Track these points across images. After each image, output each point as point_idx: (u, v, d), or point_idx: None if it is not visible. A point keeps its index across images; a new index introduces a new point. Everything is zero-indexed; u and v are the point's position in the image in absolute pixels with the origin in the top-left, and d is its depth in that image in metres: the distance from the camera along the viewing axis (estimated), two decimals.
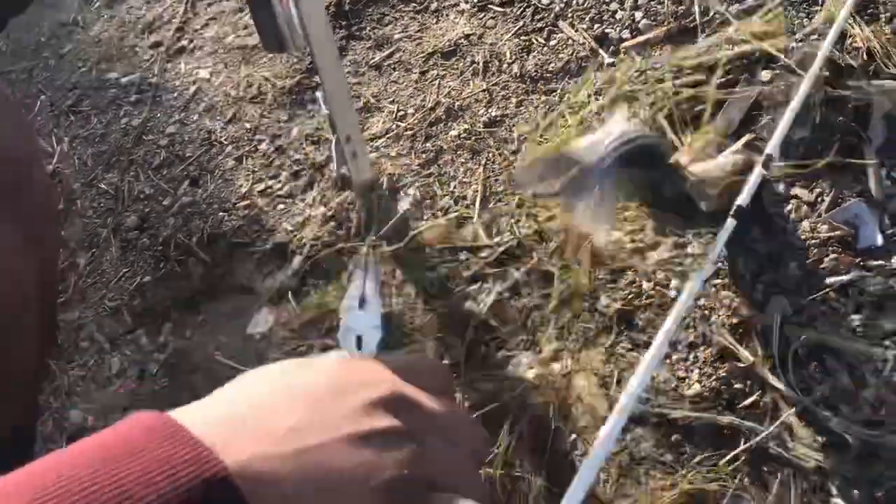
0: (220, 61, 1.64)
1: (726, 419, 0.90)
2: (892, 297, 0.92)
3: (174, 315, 1.30)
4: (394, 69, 1.47)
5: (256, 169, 1.42)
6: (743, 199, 0.88)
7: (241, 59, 1.62)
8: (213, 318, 1.27)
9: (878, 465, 0.83)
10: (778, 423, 0.88)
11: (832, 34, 1.03)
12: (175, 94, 1.62)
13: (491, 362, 1.04)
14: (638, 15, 1.32)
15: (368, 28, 1.56)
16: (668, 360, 0.96)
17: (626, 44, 1.29)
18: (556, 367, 1.01)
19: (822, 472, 0.84)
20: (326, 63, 1.09)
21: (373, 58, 1.50)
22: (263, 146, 1.44)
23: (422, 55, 1.47)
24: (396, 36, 1.53)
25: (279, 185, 1.37)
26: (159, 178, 1.49)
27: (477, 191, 1.22)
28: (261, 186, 1.38)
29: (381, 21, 1.56)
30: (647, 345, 0.94)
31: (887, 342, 0.90)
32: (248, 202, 1.37)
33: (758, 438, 0.87)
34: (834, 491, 0.83)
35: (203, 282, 1.31)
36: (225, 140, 1.49)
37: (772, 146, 0.90)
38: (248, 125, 1.49)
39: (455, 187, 1.25)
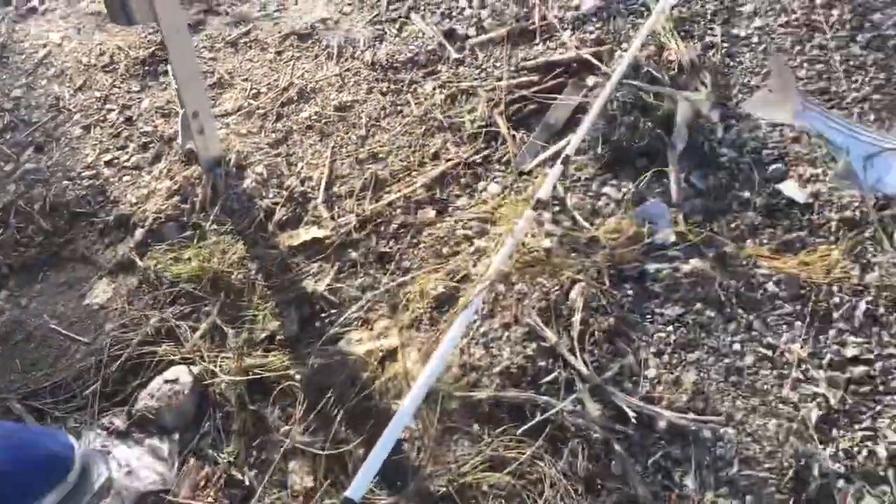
0: (72, 26, 1.60)
1: (528, 394, 0.99)
2: (678, 287, 1.04)
3: (11, 282, 1.28)
4: (250, 47, 1.49)
5: (104, 139, 1.41)
6: (543, 192, 0.97)
7: (95, 26, 1.59)
8: (51, 287, 1.26)
9: (653, 435, 0.94)
10: (572, 397, 0.98)
11: (634, 45, 1.13)
12: (23, 57, 1.58)
13: (325, 338, 1.09)
14: (484, 13, 1.39)
15: (227, 4, 1.56)
16: (483, 338, 1.04)
17: (471, 41, 1.36)
18: (384, 342, 1.07)
19: (607, 441, 0.94)
20: (174, 37, 1.11)
21: (230, 34, 1.51)
22: (113, 116, 1.43)
23: (279, 35, 1.49)
24: (255, 14, 1.54)
25: (126, 157, 1.37)
26: (2, 143, 1.45)
27: (323, 173, 1.27)
28: (108, 157, 1.38)
29: None
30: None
31: (670, 328, 1.01)
32: (93, 172, 1.36)
33: (553, 411, 0.97)
34: (614, 458, 0.94)
35: (43, 250, 1.29)
36: (73, 107, 1.47)
37: (571, 147, 1.00)
38: (98, 94, 1.47)
39: (302, 168, 1.29)
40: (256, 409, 1.02)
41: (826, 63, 1.20)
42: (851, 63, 1.20)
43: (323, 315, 1.13)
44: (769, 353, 0.99)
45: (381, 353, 1.07)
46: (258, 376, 1.03)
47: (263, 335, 1.09)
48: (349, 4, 1.52)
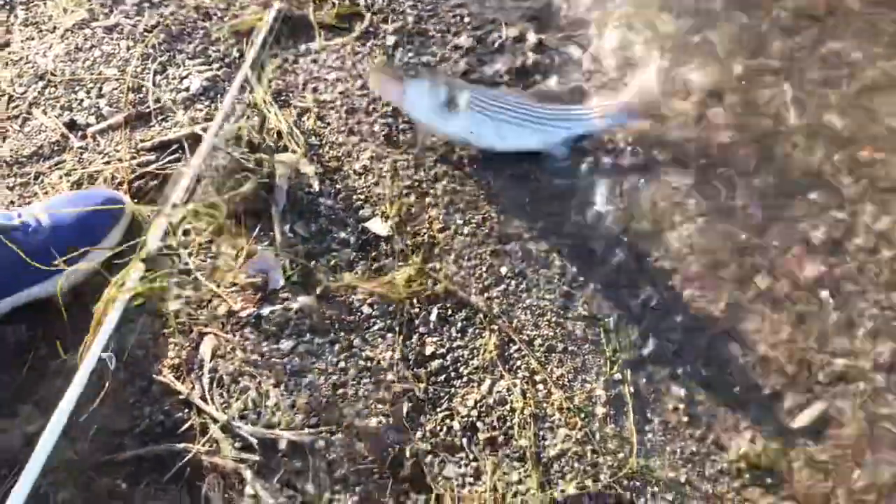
0: None
1: (165, 445, 1.10)
2: (289, 323, 1.21)
3: None
4: None
5: None
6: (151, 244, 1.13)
7: None
8: None
9: (277, 455, 1.10)
10: (206, 438, 1.10)
11: (215, 122, 1.32)
12: None
13: None
14: (102, 102, 1.49)
15: None
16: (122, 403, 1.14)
17: (91, 129, 1.45)
18: None
19: (238, 470, 1.08)
20: None
21: None
22: None
23: None
24: None
25: None
26: None
27: None
28: None
29: None
30: None
31: (285, 359, 1.18)
32: None
33: (190, 455, 1.09)
34: (248, 483, 1.08)
35: None
36: None
37: (170, 202, 1.17)
38: None
39: None
40: None
41: None
42: None
43: None
44: (368, 363, 1.19)
45: None
46: None
47: None
48: None
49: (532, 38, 1.60)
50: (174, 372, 1.18)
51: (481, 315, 1.23)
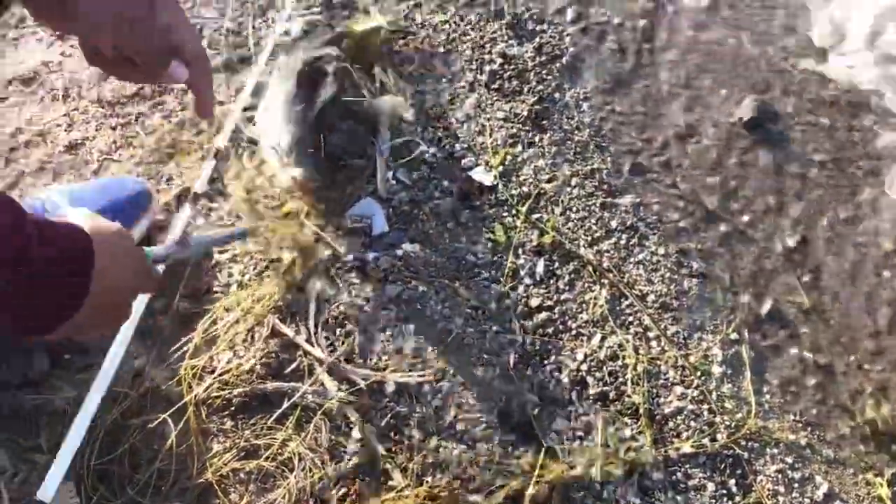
0: None
1: (274, 385, 1.10)
2: (397, 270, 1.19)
3: None
4: None
5: None
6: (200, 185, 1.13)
7: None
8: None
9: (383, 399, 1.09)
10: (312, 380, 1.10)
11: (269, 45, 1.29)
12: None
13: None
14: (204, 43, 1.48)
15: None
16: (234, 347, 1.14)
17: None
18: None
19: (343, 411, 1.07)
20: None
21: None
22: None
23: (1, 82, 1.49)
24: None
25: None
26: None
27: None
28: None
29: None
30: None
31: (391, 305, 1.16)
32: None
33: (297, 395, 1.09)
34: (355, 425, 1.07)
35: None
36: None
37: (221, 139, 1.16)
38: None
39: None
40: None
41: None
42: None
43: None
44: (473, 312, 1.17)
45: None
46: None
47: None
48: (72, 46, 1.55)
49: None
50: (279, 314, 1.17)
51: (590, 268, 1.19)
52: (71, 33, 0.83)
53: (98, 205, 1.18)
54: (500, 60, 1.44)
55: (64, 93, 1.48)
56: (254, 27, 1.49)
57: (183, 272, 1.22)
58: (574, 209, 1.26)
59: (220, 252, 1.24)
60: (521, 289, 1.19)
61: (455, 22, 1.51)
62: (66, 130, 1.42)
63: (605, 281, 1.18)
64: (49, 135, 1.42)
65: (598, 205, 1.26)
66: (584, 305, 1.16)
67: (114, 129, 1.42)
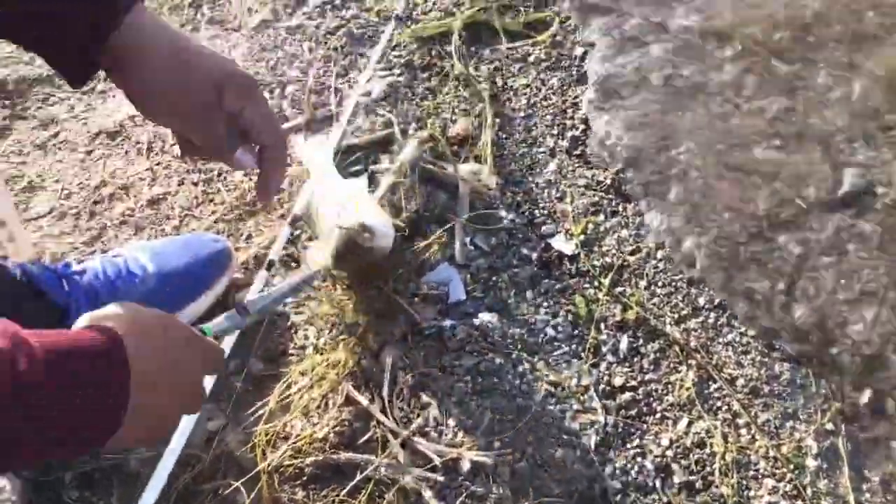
0: None
1: (347, 455, 1.08)
2: (473, 340, 1.16)
3: None
4: (59, 148, 1.52)
5: None
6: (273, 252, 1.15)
7: None
8: None
9: (458, 477, 1.05)
10: (386, 453, 1.07)
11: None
12: None
13: None
14: (284, 104, 1.50)
15: (34, 108, 1.59)
16: (307, 414, 1.12)
17: None
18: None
19: (417, 488, 1.04)
20: None
21: (37, 137, 1.54)
22: None
23: (88, 135, 1.53)
24: (63, 116, 1.58)
25: None
26: None
27: None
28: None
29: (47, 101, 1.60)
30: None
31: (467, 377, 1.13)
32: None
33: (371, 468, 1.06)
34: (425, 500, 1.04)
35: None
36: None
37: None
38: None
39: None
40: None
41: None
42: None
43: None
44: (553, 389, 1.13)
45: None
46: None
47: None
48: None
49: None
50: (353, 380, 1.15)
51: (677, 348, 1.15)
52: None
53: (180, 262, 1.18)
54: (582, 126, 1.42)
55: (148, 147, 1.50)
56: (336, 88, 1.50)
57: (257, 332, 1.22)
58: (659, 283, 1.22)
59: (296, 312, 1.24)
60: (603, 366, 1.15)
61: (536, 86, 1.49)
62: (149, 185, 1.45)
63: (692, 362, 1.13)
64: (132, 189, 1.45)
65: (684, 280, 1.21)
66: (669, 387, 1.12)
67: (195, 184, 1.43)
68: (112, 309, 0.66)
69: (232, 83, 0.74)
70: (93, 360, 0.57)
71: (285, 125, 1.46)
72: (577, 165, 1.36)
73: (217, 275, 1.22)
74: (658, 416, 1.10)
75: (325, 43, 1.58)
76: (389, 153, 1.39)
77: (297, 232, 1.29)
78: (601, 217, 1.30)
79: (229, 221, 1.36)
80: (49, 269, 1.11)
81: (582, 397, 1.12)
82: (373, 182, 1.30)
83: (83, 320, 0.64)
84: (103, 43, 0.72)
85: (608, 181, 1.34)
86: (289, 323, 1.23)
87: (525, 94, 1.47)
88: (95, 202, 1.43)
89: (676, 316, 1.18)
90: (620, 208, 1.31)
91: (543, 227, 1.29)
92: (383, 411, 1.12)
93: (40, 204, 1.44)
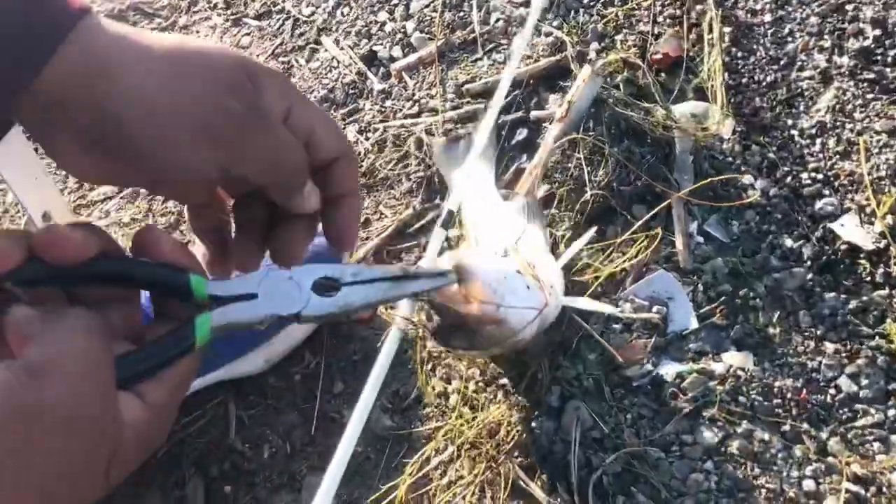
0: None
1: None
2: (714, 398, 0.72)
3: None
4: None
5: None
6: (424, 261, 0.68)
7: None
8: None
9: None
10: None
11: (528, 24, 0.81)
12: None
13: None
14: (409, 26, 1.07)
15: None
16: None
17: (396, 65, 1.04)
18: None
19: None
20: None
21: None
22: None
23: None
24: None
25: None
26: None
27: None
28: None
29: None
30: None
31: (708, 464, 0.70)
32: None
33: None
34: None
35: None
36: None
37: (451, 203, 0.70)
38: None
39: None
40: None
41: None
42: None
43: None
44: (860, 487, 0.67)
45: None
46: None
47: None
48: (247, 34, 1.20)
49: None
50: (521, 456, 0.74)
51: None
52: None
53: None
54: (874, 29, 0.89)
55: None
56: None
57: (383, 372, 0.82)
58: None
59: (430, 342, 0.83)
60: None
61: None
62: None
63: None
64: None
65: None
66: None
67: None
68: None
69: (265, 74, 0.44)
70: None
71: (414, 55, 1.04)
72: (871, 96, 0.85)
73: None
74: None
75: None
76: (560, 91, 0.93)
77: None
78: None
79: None
80: None
81: None
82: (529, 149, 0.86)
83: None
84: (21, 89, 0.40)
85: None
86: (427, 359, 0.83)
87: None
88: None
89: None
90: None
91: (818, 204, 0.81)
92: None
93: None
